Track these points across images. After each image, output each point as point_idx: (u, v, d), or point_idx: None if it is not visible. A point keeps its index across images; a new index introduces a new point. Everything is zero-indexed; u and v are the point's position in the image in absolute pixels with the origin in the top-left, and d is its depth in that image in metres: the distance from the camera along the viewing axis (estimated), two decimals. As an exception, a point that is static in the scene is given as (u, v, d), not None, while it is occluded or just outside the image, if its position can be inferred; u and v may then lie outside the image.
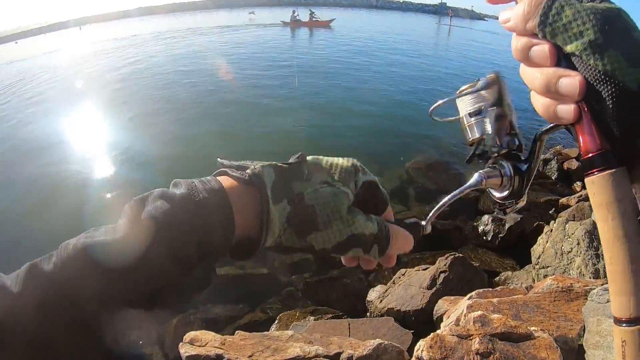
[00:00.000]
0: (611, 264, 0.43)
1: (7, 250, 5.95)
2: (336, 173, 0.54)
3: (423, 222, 0.65)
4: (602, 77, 0.40)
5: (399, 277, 4.61)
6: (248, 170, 0.50)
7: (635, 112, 0.39)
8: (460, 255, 4.53)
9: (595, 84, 0.41)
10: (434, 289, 4.12)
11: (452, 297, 3.81)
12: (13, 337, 0.37)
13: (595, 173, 0.44)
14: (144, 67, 19.66)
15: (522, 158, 0.70)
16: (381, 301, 4.34)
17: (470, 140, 0.73)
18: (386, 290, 4.49)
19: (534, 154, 0.68)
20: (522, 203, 0.69)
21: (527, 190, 0.68)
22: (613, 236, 0.42)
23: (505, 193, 0.68)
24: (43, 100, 14.90)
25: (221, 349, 2.93)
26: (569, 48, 0.42)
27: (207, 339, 3.04)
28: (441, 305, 3.76)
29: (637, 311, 0.41)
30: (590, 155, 0.44)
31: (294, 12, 41.80)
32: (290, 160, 0.54)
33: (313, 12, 42.11)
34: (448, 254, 4.46)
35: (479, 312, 2.60)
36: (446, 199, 0.67)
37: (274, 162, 0.52)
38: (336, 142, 9.73)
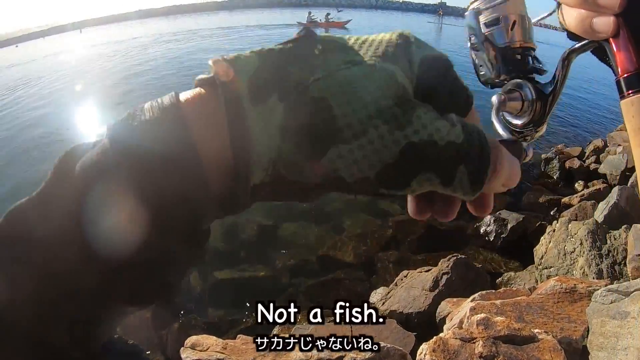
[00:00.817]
0: None
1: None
2: (371, 48, 0.31)
3: (524, 143, 0.57)
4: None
5: (401, 279, 4.59)
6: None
7: None
8: (463, 256, 4.51)
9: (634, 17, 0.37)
10: (437, 290, 4.10)
11: (454, 299, 3.79)
12: (11, 332, 0.29)
13: (632, 94, 0.41)
14: (146, 69, 19.70)
15: (541, 83, 0.61)
16: (383, 303, 4.33)
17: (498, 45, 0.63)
18: (388, 292, 4.47)
19: (560, 76, 0.58)
20: (542, 132, 0.61)
21: (548, 118, 0.59)
22: None
23: (525, 119, 0.59)
24: (48, 104, 14.92)
25: (223, 353, 2.91)
26: None
27: (208, 344, 3.03)
28: (444, 307, 3.74)
29: None
30: (627, 74, 0.41)
31: (309, 13, 42.14)
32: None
33: (329, 14, 42.49)
34: (450, 255, 4.45)
35: (482, 315, 2.58)
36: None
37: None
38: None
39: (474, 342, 2.36)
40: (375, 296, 4.58)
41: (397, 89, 0.29)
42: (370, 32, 0.34)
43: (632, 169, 7.30)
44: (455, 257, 4.36)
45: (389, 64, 0.30)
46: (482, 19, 0.62)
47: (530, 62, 0.61)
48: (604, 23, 0.39)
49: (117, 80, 17.70)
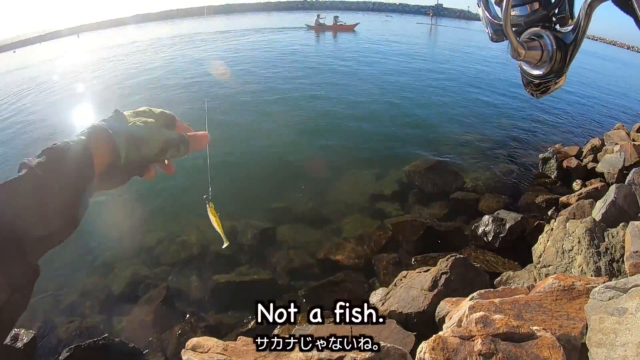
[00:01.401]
0: None
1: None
2: (143, 115, 0.78)
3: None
4: None
5: (401, 280, 4.60)
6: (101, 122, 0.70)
7: None
8: (461, 256, 4.52)
9: None
10: (436, 290, 4.11)
11: (454, 299, 3.80)
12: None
13: None
14: (144, 73, 19.67)
15: (562, 31, 0.58)
16: (383, 304, 4.34)
17: None
18: (388, 293, 4.48)
19: (583, 25, 0.57)
20: (562, 82, 0.60)
21: (568, 68, 0.58)
22: None
23: (544, 69, 0.59)
24: (47, 109, 14.91)
25: (224, 354, 2.92)
26: None
27: (209, 345, 3.04)
28: (443, 306, 3.75)
29: None
30: None
31: (318, 16, 41.92)
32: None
33: (337, 17, 42.25)
34: (449, 255, 4.46)
35: (481, 313, 2.59)
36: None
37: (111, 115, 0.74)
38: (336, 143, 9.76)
39: (473, 340, 2.37)
40: (375, 297, 4.59)
41: (157, 125, 0.79)
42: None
43: (630, 167, 7.33)
44: (453, 257, 4.37)
45: (151, 119, 0.78)
46: None
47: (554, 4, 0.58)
48: None
49: (115, 85, 17.68)
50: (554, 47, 0.54)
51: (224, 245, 1.04)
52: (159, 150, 0.74)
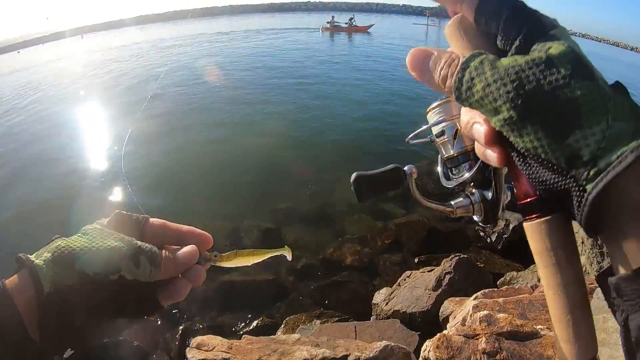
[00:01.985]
0: (551, 311, 0.43)
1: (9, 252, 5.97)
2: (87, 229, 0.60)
3: None
4: (527, 153, 0.38)
5: (404, 279, 4.62)
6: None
7: (563, 181, 0.36)
8: (465, 256, 4.53)
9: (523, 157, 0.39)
10: (440, 290, 4.12)
11: (457, 298, 3.81)
12: (3, 339, 0.48)
13: (529, 220, 0.42)
14: (145, 76, 19.73)
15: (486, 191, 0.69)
16: (387, 303, 4.35)
17: (444, 158, 0.72)
18: (392, 293, 4.49)
19: (496, 184, 0.67)
20: (498, 227, 0.71)
21: (500, 216, 0.67)
22: (551, 283, 0.42)
23: (480, 218, 0.68)
24: (57, 107, 14.96)
25: (228, 353, 2.94)
26: (492, 124, 0.40)
27: (214, 344, 3.06)
28: (447, 306, 3.76)
29: (579, 357, 0.41)
30: (524, 201, 0.43)
31: (332, 17, 42.00)
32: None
33: (352, 18, 42.44)
34: (453, 256, 4.47)
35: (485, 312, 2.60)
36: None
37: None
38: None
39: (477, 339, 2.39)
40: (379, 296, 4.60)
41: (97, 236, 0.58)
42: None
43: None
44: (457, 257, 4.38)
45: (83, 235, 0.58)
46: (434, 130, 0.71)
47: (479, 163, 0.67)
48: (491, 156, 0.42)
49: (116, 87, 17.74)
50: (480, 201, 0.65)
51: (290, 258, 0.80)
52: (99, 269, 0.53)
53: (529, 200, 0.42)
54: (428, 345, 2.42)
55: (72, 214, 6.54)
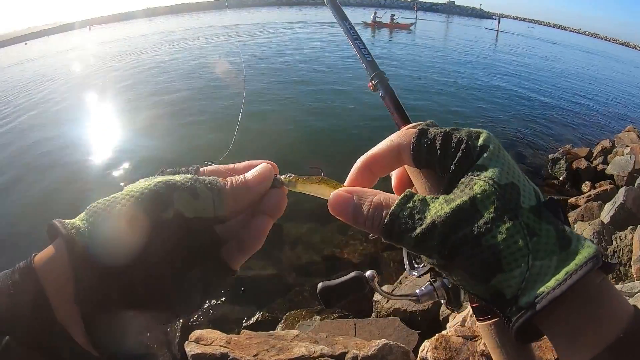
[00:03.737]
0: None
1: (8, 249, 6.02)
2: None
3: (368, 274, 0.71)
4: (457, 285, 0.42)
5: (406, 277, 4.60)
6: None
7: (491, 309, 0.40)
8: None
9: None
10: (441, 289, 4.10)
11: (458, 299, 3.79)
12: (10, 334, 0.36)
13: (480, 320, 0.47)
14: (155, 69, 19.74)
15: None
16: (387, 301, 4.34)
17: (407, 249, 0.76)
18: (392, 291, 4.48)
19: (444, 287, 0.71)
20: (464, 311, 0.75)
21: (463, 299, 0.69)
22: None
23: (445, 302, 0.71)
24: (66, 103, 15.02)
25: (226, 347, 2.94)
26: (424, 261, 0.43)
27: (212, 338, 3.06)
28: (447, 305, 3.75)
29: None
30: (474, 305, 0.48)
31: (375, 13, 42.65)
32: None
33: (394, 15, 43.29)
34: (455, 254, 4.44)
35: (485, 313, 2.59)
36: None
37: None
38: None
39: (476, 340, 2.37)
40: (374, 279, 4.59)
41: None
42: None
43: (640, 170, 7.27)
44: (459, 256, 4.36)
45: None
46: None
47: None
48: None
49: (126, 79, 17.78)
50: (444, 288, 0.67)
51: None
52: (150, 200, 0.42)
53: (475, 305, 0.48)
54: (426, 345, 2.42)
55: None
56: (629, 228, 4.47)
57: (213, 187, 0.46)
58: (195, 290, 0.46)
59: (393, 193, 0.56)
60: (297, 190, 0.52)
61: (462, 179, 0.41)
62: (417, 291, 0.73)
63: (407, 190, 0.44)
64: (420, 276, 0.71)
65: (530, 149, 10.01)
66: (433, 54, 25.82)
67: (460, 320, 2.94)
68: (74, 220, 0.42)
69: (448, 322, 3.48)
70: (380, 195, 0.45)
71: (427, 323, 3.89)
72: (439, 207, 0.40)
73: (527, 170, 8.74)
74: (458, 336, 2.42)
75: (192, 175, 0.46)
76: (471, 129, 0.45)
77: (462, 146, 0.42)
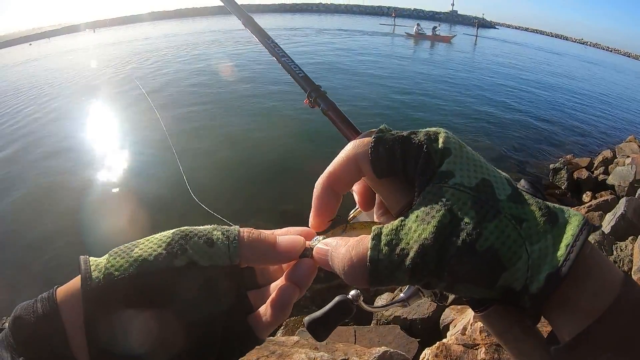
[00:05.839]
0: None
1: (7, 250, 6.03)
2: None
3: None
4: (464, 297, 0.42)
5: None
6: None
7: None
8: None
9: None
10: (441, 297, 4.10)
11: (459, 306, 3.79)
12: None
13: (478, 312, 0.46)
14: (159, 72, 19.78)
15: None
16: (373, 305, 4.33)
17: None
18: (393, 298, 4.47)
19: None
20: (465, 319, 0.73)
21: (449, 299, 0.71)
22: (519, 356, 0.45)
23: (431, 298, 0.69)
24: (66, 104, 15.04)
25: (227, 353, 2.93)
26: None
27: (212, 343, 3.05)
28: (448, 314, 3.75)
29: None
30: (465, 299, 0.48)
31: (417, 25, 44.07)
32: None
33: (436, 27, 44.42)
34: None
35: (486, 322, 2.59)
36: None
37: None
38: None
39: (477, 349, 2.37)
40: (380, 301, 4.59)
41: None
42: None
43: (641, 181, 7.27)
44: (460, 265, 4.36)
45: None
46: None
47: None
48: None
49: (126, 82, 17.82)
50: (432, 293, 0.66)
51: None
52: (163, 252, 0.43)
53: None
54: (427, 353, 2.42)
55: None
56: (630, 238, 4.47)
57: (230, 235, 0.46)
58: (211, 348, 0.45)
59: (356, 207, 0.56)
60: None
61: (428, 188, 0.40)
62: (402, 295, 0.73)
63: (373, 227, 0.41)
64: (408, 298, 0.72)
65: (532, 158, 10.02)
66: (434, 66, 25.83)
67: (460, 329, 2.94)
68: (100, 259, 0.43)
69: (448, 330, 3.48)
70: (346, 248, 0.42)
71: (427, 331, 3.88)
72: (420, 230, 0.38)
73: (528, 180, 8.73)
74: (458, 344, 2.42)
75: (214, 225, 0.47)
76: (429, 129, 0.43)
77: (422, 152, 0.41)
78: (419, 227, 0.38)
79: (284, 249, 0.48)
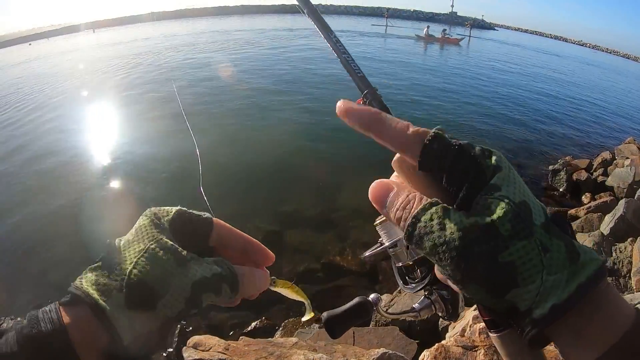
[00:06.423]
0: None
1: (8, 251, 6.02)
2: (144, 236, 0.50)
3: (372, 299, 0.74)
4: (470, 298, 0.43)
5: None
6: (69, 293, 0.45)
7: (506, 321, 0.42)
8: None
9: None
10: (440, 298, 4.09)
11: (457, 308, 3.78)
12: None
13: (493, 332, 0.49)
14: (157, 71, 19.80)
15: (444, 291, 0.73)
16: (387, 310, 4.32)
17: (400, 265, 0.74)
18: (392, 300, 4.47)
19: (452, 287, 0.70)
20: (463, 321, 0.75)
21: (461, 309, 0.71)
22: None
23: (443, 314, 0.72)
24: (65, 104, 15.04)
25: (224, 354, 2.93)
26: (440, 271, 0.43)
27: (210, 344, 3.05)
28: (447, 315, 3.74)
29: None
30: (486, 318, 0.49)
31: (427, 27, 44.41)
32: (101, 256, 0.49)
33: (445, 29, 44.87)
34: (454, 264, 4.44)
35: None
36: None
37: (90, 266, 0.48)
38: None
39: (476, 350, 2.36)
40: (379, 303, 4.57)
41: (172, 255, 0.48)
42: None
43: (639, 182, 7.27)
44: (459, 266, 4.36)
45: (157, 242, 0.49)
46: (384, 238, 0.73)
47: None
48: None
49: (126, 81, 17.82)
50: (441, 302, 0.70)
51: (305, 317, 0.76)
52: (186, 303, 0.47)
53: (487, 318, 0.49)
54: (426, 355, 2.41)
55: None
56: (629, 240, 4.47)
57: (232, 286, 0.52)
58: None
59: None
60: (273, 289, 0.66)
61: (477, 199, 0.41)
62: (415, 306, 0.74)
63: (433, 198, 0.43)
64: (415, 292, 0.71)
65: (531, 159, 10.02)
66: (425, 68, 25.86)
67: (459, 330, 2.93)
68: (99, 293, 0.45)
69: (447, 331, 3.47)
70: (414, 195, 0.45)
71: (426, 332, 3.88)
72: (459, 220, 0.40)
73: (527, 181, 8.72)
74: (457, 346, 2.41)
75: (216, 270, 0.51)
76: (482, 146, 0.44)
77: (476, 164, 0.42)
78: (460, 218, 0.40)
79: (260, 288, 0.59)
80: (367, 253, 0.78)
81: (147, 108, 12.79)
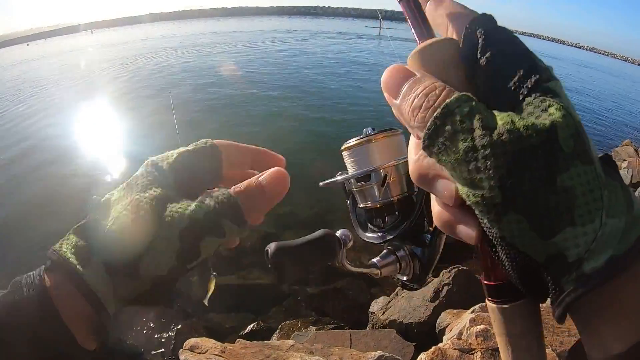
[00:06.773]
0: None
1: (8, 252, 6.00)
2: (136, 186, 0.44)
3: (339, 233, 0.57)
4: (499, 241, 0.31)
5: (402, 289, 4.58)
6: (48, 260, 0.41)
7: (535, 280, 0.32)
8: (464, 268, 4.51)
9: (493, 240, 0.33)
10: (437, 301, 4.09)
11: (455, 310, 3.78)
12: (16, 335, 0.38)
13: (491, 302, 0.38)
14: (157, 72, 19.79)
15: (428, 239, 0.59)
16: (383, 313, 4.32)
17: (363, 206, 0.61)
18: (389, 302, 4.47)
19: (434, 244, 0.59)
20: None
21: (429, 279, 0.59)
22: None
23: (408, 277, 0.60)
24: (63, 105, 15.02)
25: (221, 357, 2.92)
26: (460, 192, 0.32)
27: (207, 346, 3.04)
28: (444, 318, 3.73)
29: None
30: (488, 282, 0.38)
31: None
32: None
33: None
34: (452, 267, 4.44)
35: (482, 326, 2.58)
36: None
37: (74, 226, 0.43)
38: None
39: (473, 354, 2.36)
40: (376, 305, 4.57)
41: (159, 200, 0.42)
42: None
43: (637, 184, 7.30)
44: (456, 269, 4.36)
45: (148, 188, 0.44)
46: (351, 168, 0.59)
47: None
48: (464, 233, 0.35)
49: (126, 82, 17.81)
50: (410, 258, 0.57)
51: (205, 300, 0.65)
52: (178, 257, 0.41)
53: (495, 283, 0.38)
54: (422, 357, 2.41)
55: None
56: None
57: (235, 218, 0.43)
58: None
59: None
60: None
61: (529, 99, 0.32)
62: (376, 260, 0.62)
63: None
64: (378, 243, 0.60)
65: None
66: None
67: (456, 333, 2.93)
68: (80, 262, 0.42)
69: (444, 334, 3.47)
70: (442, 84, 0.34)
71: (423, 335, 3.87)
72: (508, 120, 0.30)
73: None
74: (454, 349, 2.41)
75: (210, 206, 0.43)
76: None
77: (533, 56, 0.34)
78: (509, 117, 0.31)
79: (275, 193, 0.48)
80: (323, 183, 0.66)
81: (140, 115, 12.77)
